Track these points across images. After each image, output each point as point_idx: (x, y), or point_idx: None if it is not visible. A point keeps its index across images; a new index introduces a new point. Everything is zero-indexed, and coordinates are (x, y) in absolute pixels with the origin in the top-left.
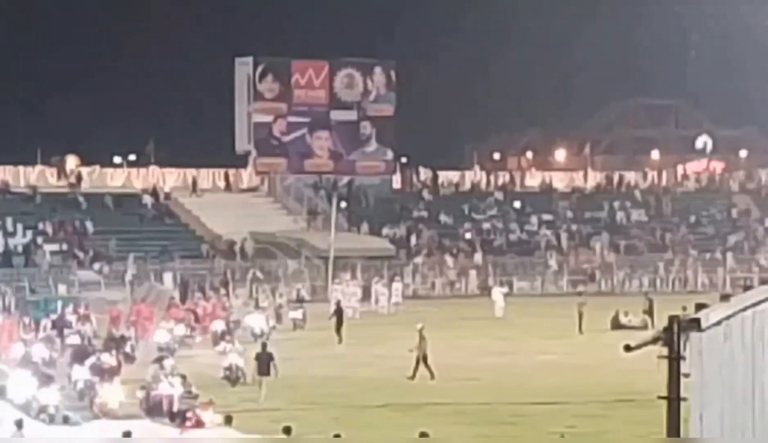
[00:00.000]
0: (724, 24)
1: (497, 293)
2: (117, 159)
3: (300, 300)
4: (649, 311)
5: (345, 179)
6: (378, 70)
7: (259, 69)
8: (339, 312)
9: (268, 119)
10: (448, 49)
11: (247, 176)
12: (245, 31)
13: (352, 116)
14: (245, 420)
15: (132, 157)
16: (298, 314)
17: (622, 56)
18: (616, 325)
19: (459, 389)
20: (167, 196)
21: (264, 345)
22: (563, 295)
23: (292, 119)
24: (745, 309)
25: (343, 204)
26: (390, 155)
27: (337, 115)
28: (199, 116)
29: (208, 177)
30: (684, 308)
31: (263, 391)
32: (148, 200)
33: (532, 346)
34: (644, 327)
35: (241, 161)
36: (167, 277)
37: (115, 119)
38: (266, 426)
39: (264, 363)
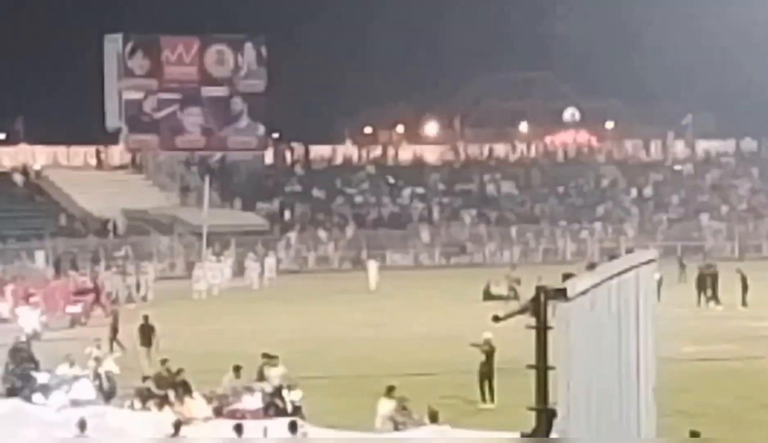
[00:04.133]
0: None
1: (371, 266)
2: None
3: (82, 292)
4: (518, 282)
5: (217, 155)
6: (248, 46)
7: (129, 46)
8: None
9: (139, 95)
10: (318, 24)
11: (118, 154)
12: (114, 7)
13: (223, 92)
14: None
15: (1, 135)
16: (76, 308)
17: (488, 29)
18: (488, 296)
19: (334, 362)
20: (38, 174)
21: (146, 317)
22: (436, 267)
23: (163, 95)
24: (610, 278)
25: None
26: (262, 130)
27: (208, 91)
28: (69, 93)
29: (78, 154)
30: (539, 279)
31: (145, 362)
32: (18, 178)
33: (406, 318)
34: (515, 298)
35: (112, 138)
36: (39, 255)
37: None
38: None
39: (146, 334)
